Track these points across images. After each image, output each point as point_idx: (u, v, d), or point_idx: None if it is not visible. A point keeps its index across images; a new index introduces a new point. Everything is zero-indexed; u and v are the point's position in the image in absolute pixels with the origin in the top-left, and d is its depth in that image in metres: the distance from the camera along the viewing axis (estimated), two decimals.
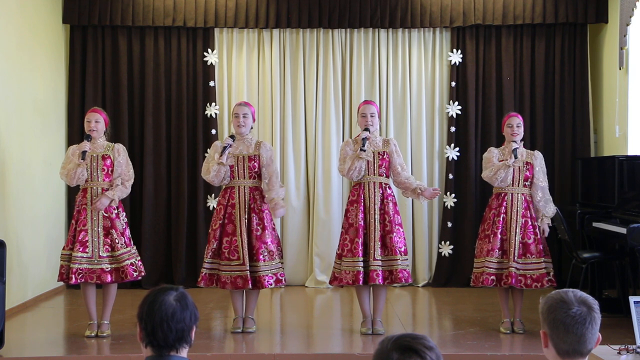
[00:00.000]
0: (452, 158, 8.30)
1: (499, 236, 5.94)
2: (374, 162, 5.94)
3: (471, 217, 8.16)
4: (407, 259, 5.96)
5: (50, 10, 7.88)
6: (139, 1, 8.19)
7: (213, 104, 8.29)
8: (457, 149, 8.30)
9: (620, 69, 7.51)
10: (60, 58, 8.18)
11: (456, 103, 8.31)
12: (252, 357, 5.51)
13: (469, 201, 8.24)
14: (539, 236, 5.94)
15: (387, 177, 6.02)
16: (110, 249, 5.84)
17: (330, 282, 6.11)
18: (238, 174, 5.98)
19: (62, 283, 7.13)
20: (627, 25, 7.30)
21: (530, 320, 6.06)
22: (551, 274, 5.94)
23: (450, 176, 8.28)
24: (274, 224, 6.10)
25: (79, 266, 5.75)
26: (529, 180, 6.00)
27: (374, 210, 5.88)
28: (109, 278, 5.82)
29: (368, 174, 5.94)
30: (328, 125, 8.32)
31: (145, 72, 8.31)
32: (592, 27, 8.39)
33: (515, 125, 6.02)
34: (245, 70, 8.38)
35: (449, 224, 8.27)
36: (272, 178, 5.97)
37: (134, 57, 8.31)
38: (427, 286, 8.28)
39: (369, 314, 5.98)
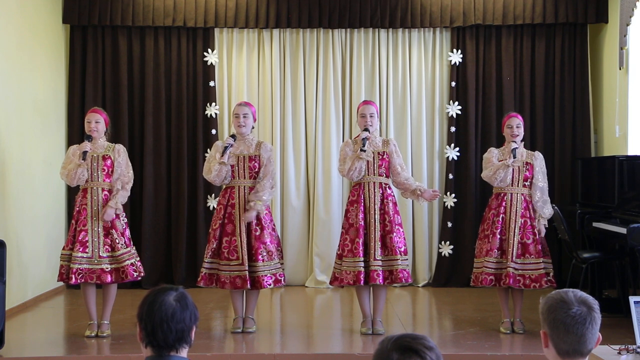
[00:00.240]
0: (452, 158, 8.30)
1: (498, 236, 5.94)
2: (373, 162, 5.94)
3: (471, 217, 8.16)
4: (407, 259, 5.96)
5: (50, 10, 7.88)
6: (139, 1, 8.19)
7: (213, 104, 8.29)
8: (457, 149, 8.30)
9: (620, 69, 7.51)
10: (60, 58, 8.18)
11: (456, 103, 8.31)
12: (252, 357, 5.51)
13: (469, 201, 8.24)
14: (538, 236, 5.94)
15: (387, 177, 6.02)
16: (110, 249, 5.84)
17: (331, 283, 6.11)
18: (238, 174, 5.98)
19: (62, 283, 7.13)
20: (627, 25, 7.30)
21: (530, 320, 6.06)
22: (551, 274, 5.93)
23: (450, 176, 8.28)
24: (273, 225, 6.10)
25: (79, 266, 5.75)
26: (529, 180, 6.00)
27: (374, 210, 5.87)
28: (109, 278, 5.82)
29: (368, 174, 5.94)
30: (328, 125, 8.32)
31: (145, 72, 8.31)
32: (592, 27, 8.39)
33: (515, 125, 6.02)
34: (245, 70, 8.38)
35: (449, 224, 8.27)
36: (264, 180, 5.94)
37: (134, 57, 8.31)
38: (427, 286, 8.28)
39: (369, 314, 5.98)
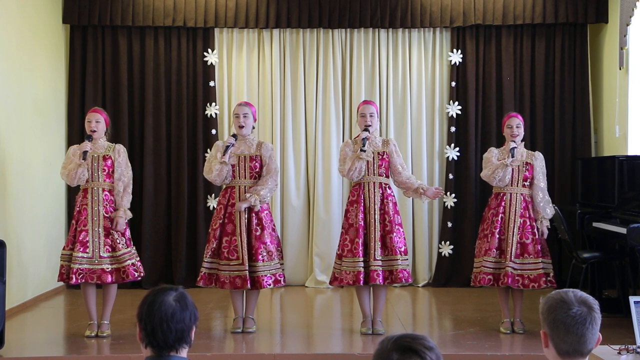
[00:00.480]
0: (452, 158, 8.30)
1: (497, 236, 5.94)
2: (373, 162, 5.94)
3: (471, 217, 8.16)
4: (407, 259, 5.96)
5: (50, 10, 7.88)
6: (139, 1, 8.19)
7: (213, 104, 8.28)
8: (457, 149, 8.30)
9: (620, 69, 7.51)
10: (60, 58, 8.18)
11: (456, 103, 8.31)
12: (252, 357, 5.51)
13: (469, 201, 8.24)
14: (537, 236, 5.92)
15: (387, 177, 6.02)
16: (111, 249, 5.85)
17: (331, 283, 6.11)
18: (239, 173, 5.98)
19: (62, 283, 7.12)
20: (627, 25, 7.30)
21: (530, 320, 6.06)
22: (550, 274, 5.93)
23: (450, 176, 8.28)
24: (274, 225, 6.10)
25: (80, 266, 5.75)
26: (528, 180, 5.99)
27: (374, 210, 5.87)
28: (109, 278, 5.82)
29: (368, 174, 5.94)
30: (328, 125, 8.32)
31: (145, 72, 8.31)
32: (592, 27, 8.38)
33: (515, 125, 6.01)
34: (245, 70, 8.37)
35: (449, 224, 8.27)
36: (267, 177, 5.96)
37: (134, 57, 8.31)
38: (427, 286, 8.28)
39: (369, 314, 5.98)
